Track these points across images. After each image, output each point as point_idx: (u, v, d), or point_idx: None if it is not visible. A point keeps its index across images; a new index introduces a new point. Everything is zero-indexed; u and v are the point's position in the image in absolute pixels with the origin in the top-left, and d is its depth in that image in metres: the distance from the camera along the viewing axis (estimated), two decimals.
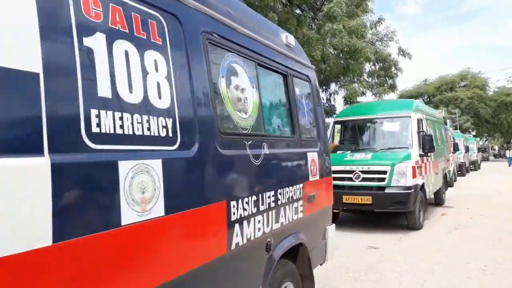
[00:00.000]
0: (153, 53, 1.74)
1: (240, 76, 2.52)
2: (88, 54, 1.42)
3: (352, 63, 11.73)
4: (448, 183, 11.81)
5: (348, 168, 7.17)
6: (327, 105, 16.22)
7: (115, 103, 1.49)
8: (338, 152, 7.90)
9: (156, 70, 1.74)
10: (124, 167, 1.47)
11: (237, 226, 2.24)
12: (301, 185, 3.20)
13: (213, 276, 2.06)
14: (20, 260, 1.11)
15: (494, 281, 4.56)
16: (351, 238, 6.74)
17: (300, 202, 3.17)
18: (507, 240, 6.46)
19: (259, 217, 2.51)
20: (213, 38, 2.23)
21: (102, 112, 1.43)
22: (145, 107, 1.64)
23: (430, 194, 8.59)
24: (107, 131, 1.44)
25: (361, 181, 7.02)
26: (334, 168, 7.51)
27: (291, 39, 3.49)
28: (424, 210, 7.69)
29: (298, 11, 12.20)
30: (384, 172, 6.88)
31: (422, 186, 7.37)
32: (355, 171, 7.06)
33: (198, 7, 2.12)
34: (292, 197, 3.01)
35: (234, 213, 2.22)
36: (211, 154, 2.07)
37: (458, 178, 17.52)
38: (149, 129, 1.64)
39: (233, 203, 2.21)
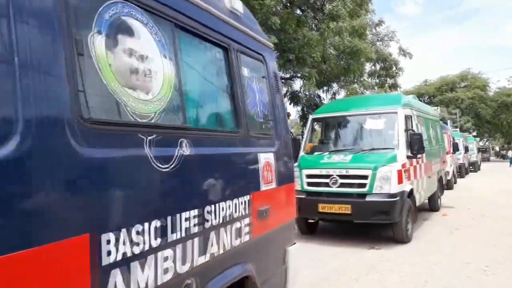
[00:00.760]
0: None
1: (138, 38, 1.67)
2: None
3: (352, 63, 11.50)
4: (445, 186, 11.03)
5: (324, 172, 6.27)
6: None
7: None
8: (316, 153, 7.05)
9: None
10: None
11: (116, 273, 1.38)
12: (247, 197, 2.36)
13: None
14: None
15: (494, 282, 4.50)
16: (351, 238, 6.55)
17: (246, 221, 2.33)
18: (508, 240, 6.35)
19: (168, 252, 1.66)
20: None
21: None
22: None
23: (421, 200, 7.65)
24: None
25: (338, 187, 6.10)
26: (309, 172, 6.71)
27: (238, 5, 2.64)
28: (413, 220, 6.71)
29: (298, 11, 12.00)
30: (365, 177, 5.96)
31: (411, 193, 6.42)
32: (332, 175, 6.16)
33: None
34: (231, 215, 2.17)
35: (109, 253, 1.36)
36: (56, 155, 1.21)
37: (457, 179, 16.80)
38: None
39: (106, 236, 1.35)
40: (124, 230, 1.43)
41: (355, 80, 14.60)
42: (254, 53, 2.74)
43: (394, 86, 18.32)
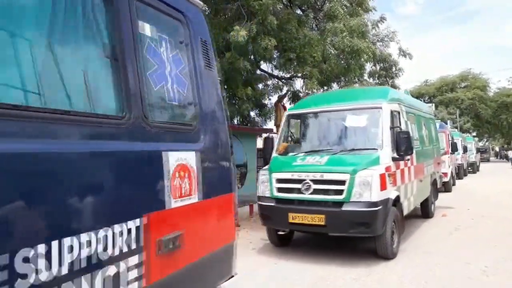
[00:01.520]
0: None
1: None
2: None
3: (353, 63, 11.32)
4: (440, 189, 10.19)
5: (296, 176, 5.39)
6: None
7: None
8: (290, 154, 6.18)
9: None
10: None
11: None
12: (135, 222, 1.49)
13: None
14: None
15: (495, 282, 4.46)
16: (351, 238, 6.14)
17: (133, 260, 1.46)
18: (508, 241, 6.29)
19: None
20: None
21: None
22: None
23: (410, 208, 6.66)
24: None
25: (312, 193, 5.20)
26: (279, 176, 5.72)
27: None
28: (400, 232, 5.76)
29: (299, 11, 11.72)
30: (342, 182, 5.06)
31: (397, 200, 5.54)
32: (305, 180, 5.29)
33: None
34: (96, 255, 1.29)
35: None
36: None
37: (455, 181, 16.05)
38: None
39: None
40: None
41: (356, 80, 14.05)
42: (166, 7, 1.87)
43: (394, 87, 18.00)
